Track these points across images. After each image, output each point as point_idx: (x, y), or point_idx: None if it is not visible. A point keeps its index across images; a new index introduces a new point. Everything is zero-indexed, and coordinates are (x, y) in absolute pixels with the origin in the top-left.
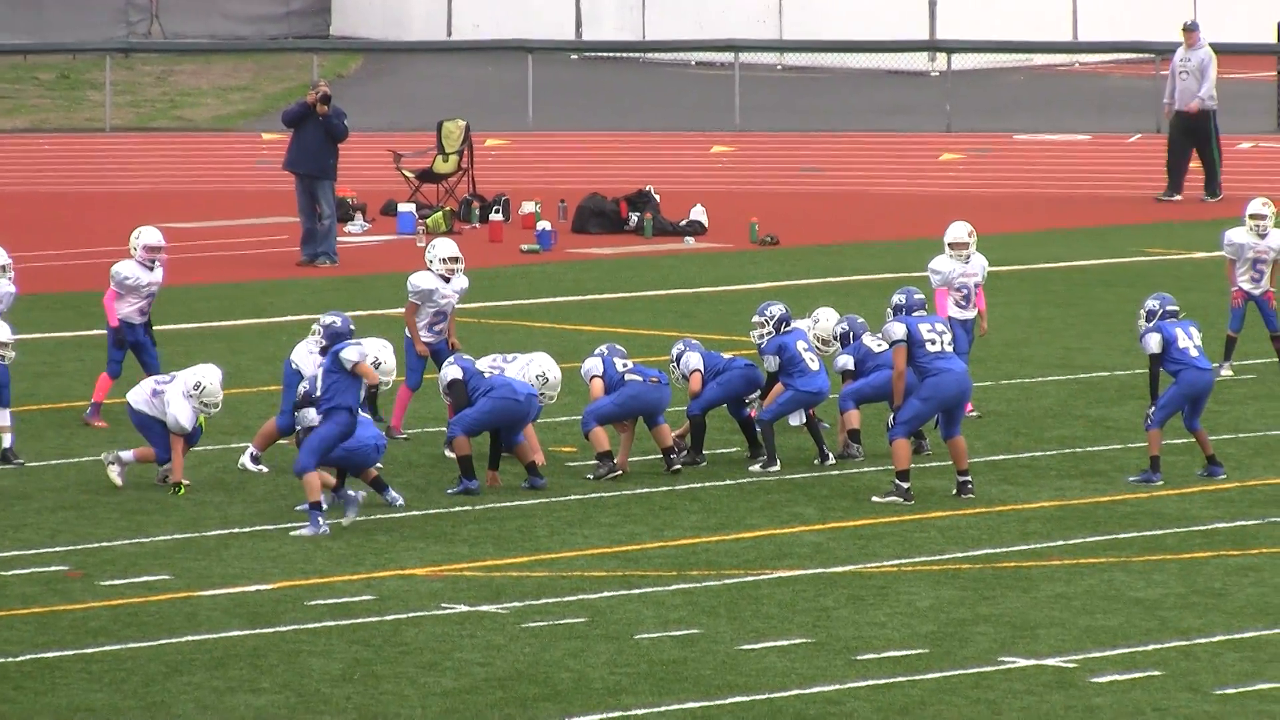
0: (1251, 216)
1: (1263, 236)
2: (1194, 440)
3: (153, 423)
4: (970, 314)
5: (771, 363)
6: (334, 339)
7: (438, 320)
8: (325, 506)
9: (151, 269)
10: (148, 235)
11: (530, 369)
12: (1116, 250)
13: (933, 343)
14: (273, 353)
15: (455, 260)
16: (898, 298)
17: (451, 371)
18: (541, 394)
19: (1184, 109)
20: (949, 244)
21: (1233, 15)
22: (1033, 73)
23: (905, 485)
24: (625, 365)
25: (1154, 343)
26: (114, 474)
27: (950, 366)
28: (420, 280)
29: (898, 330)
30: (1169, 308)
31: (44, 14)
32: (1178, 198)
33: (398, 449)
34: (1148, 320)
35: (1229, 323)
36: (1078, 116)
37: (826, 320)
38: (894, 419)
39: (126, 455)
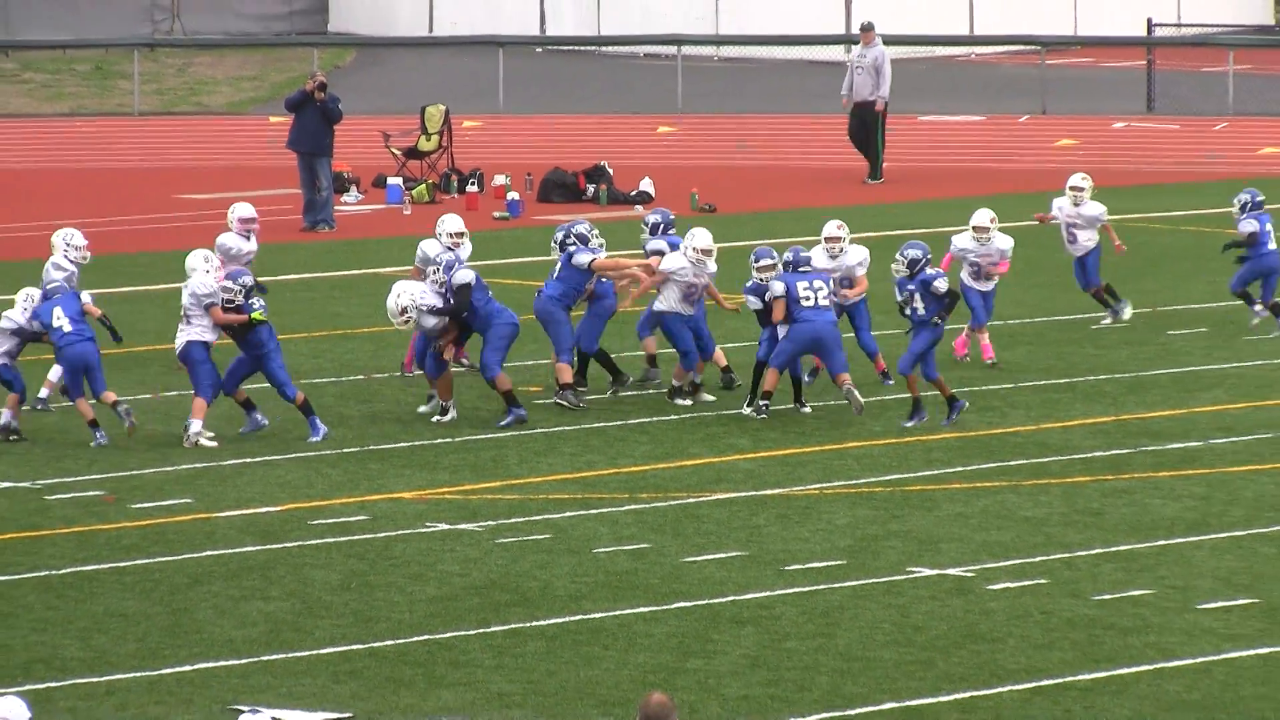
0: (1071, 188)
1: (1077, 205)
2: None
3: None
4: (987, 286)
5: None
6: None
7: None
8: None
9: (248, 239)
10: (242, 209)
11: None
12: (1005, 215)
13: (807, 299)
14: (280, 307)
15: (460, 235)
16: (787, 255)
17: (464, 275)
18: None
19: (860, 101)
20: (972, 226)
21: (1110, 11)
22: (935, 62)
23: (764, 404)
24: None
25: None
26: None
27: (813, 318)
28: (427, 248)
29: (777, 287)
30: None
31: (80, 13)
32: (880, 180)
33: (389, 388)
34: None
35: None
36: (974, 100)
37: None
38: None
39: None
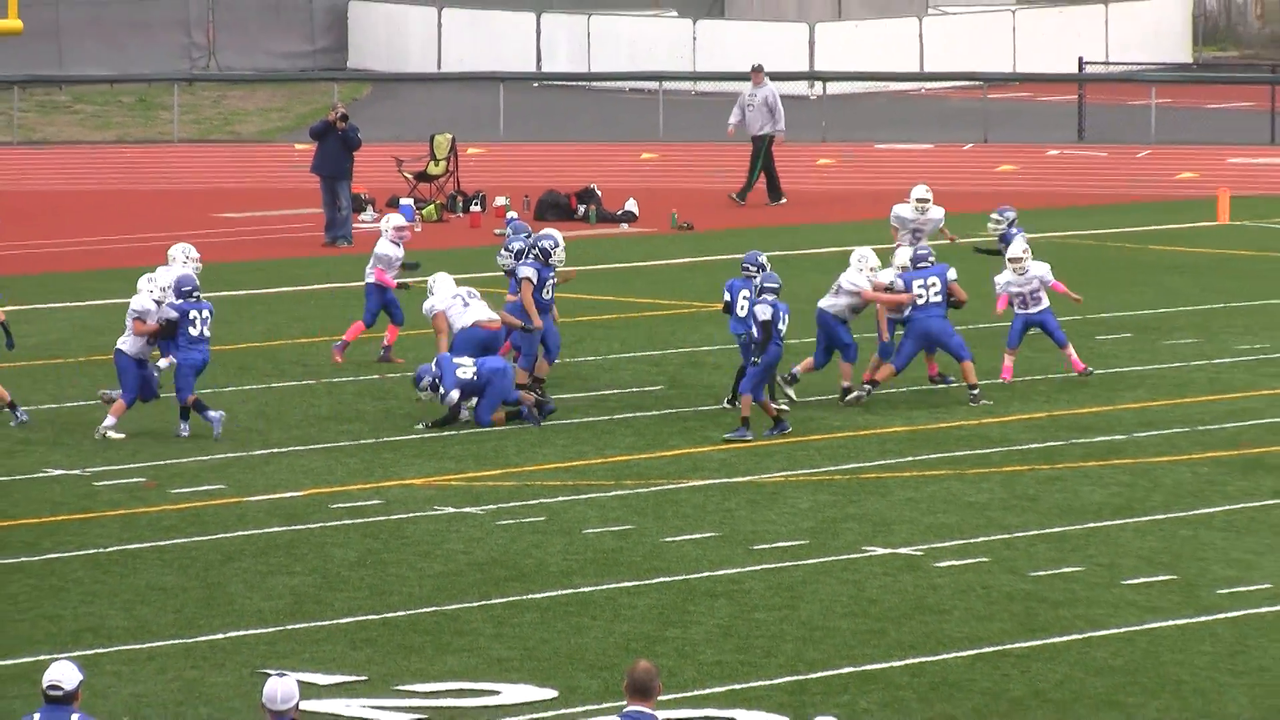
0: (918, 200)
1: (923, 214)
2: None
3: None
4: (1035, 309)
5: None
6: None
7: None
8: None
9: (398, 246)
10: (395, 219)
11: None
12: (957, 231)
13: (920, 297)
14: (303, 313)
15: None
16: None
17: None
18: None
19: (754, 134)
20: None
21: (1045, 50)
22: (888, 96)
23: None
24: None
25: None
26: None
27: (924, 315)
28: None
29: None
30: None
31: (126, 51)
32: (784, 200)
33: (402, 387)
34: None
35: None
36: (923, 130)
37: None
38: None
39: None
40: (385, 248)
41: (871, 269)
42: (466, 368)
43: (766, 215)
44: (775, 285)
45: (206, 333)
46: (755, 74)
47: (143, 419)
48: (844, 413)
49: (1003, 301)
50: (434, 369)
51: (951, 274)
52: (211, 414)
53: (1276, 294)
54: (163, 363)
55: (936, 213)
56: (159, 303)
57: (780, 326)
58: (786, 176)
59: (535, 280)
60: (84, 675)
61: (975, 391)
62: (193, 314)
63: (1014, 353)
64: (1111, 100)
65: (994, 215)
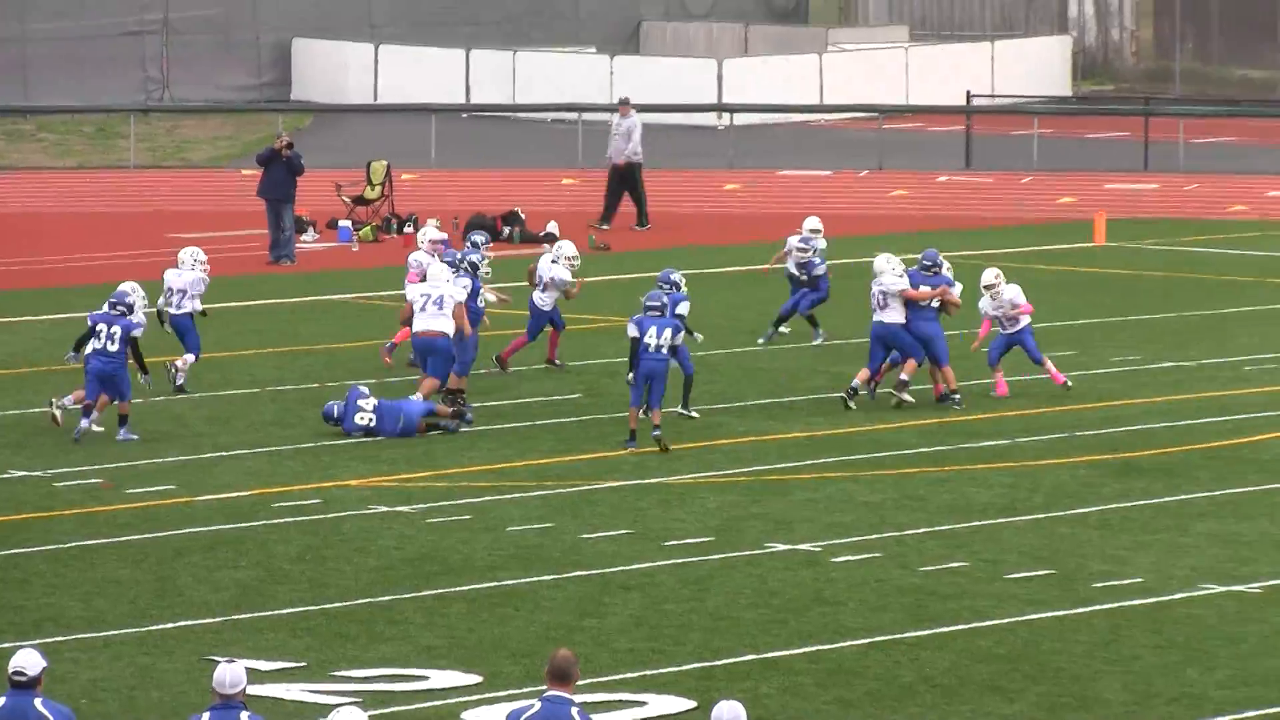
0: (810, 230)
1: (807, 243)
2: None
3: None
4: (1013, 328)
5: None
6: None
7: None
8: None
9: (434, 258)
10: (432, 232)
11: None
12: (848, 252)
13: (649, 343)
14: (252, 326)
15: (576, 258)
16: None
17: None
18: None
19: (616, 162)
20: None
21: (936, 83)
22: (791, 127)
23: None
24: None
25: None
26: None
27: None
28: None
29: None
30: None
31: (86, 83)
32: (606, 227)
33: (339, 395)
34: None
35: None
36: (823, 158)
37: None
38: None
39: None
40: (420, 256)
41: (898, 271)
42: (365, 412)
43: (675, 236)
44: (656, 304)
45: (110, 346)
46: (622, 106)
47: (102, 423)
48: (748, 418)
49: (985, 327)
50: (338, 407)
51: (957, 288)
52: (83, 423)
53: (1148, 310)
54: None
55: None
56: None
57: (648, 341)
58: (696, 201)
59: (468, 291)
60: (47, 663)
61: (904, 381)
62: (99, 326)
63: (998, 369)
64: (997, 130)
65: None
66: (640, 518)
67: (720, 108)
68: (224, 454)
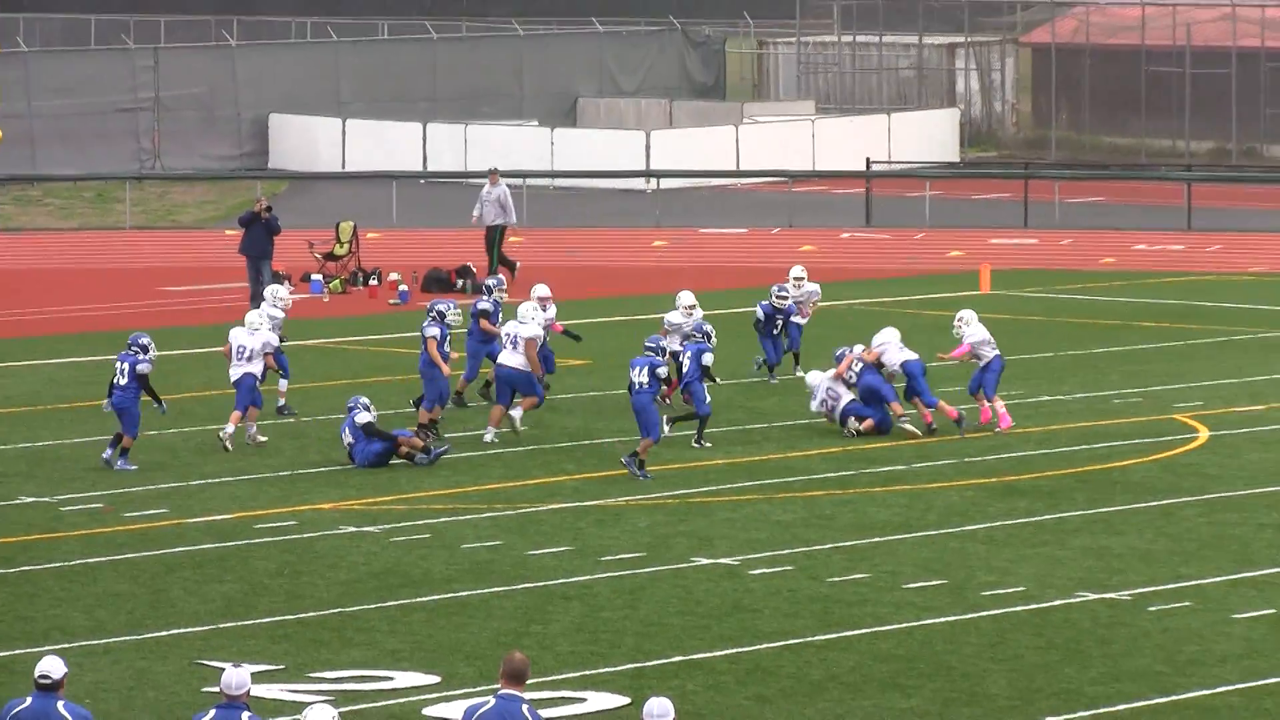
0: (794, 278)
1: (798, 287)
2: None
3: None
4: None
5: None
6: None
7: None
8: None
9: (545, 309)
10: (540, 289)
11: None
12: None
13: (632, 379)
14: None
15: (544, 299)
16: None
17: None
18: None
19: (489, 224)
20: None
21: (839, 151)
22: (710, 190)
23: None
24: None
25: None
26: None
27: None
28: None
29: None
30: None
31: (87, 154)
32: (505, 277)
33: (313, 428)
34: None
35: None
36: (739, 218)
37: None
38: None
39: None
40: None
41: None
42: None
43: (611, 288)
44: (651, 345)
45: (121, 380)
46: (491, 175)
47: (98, 454)
48: (674, 448)
49: (961, 350)
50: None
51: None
52: (106, 453)
53: (1029, 350)
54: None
55: (811, 287)
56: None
57: (632, 378)
58: (627, 256)
59: (439, 337)
60: (68, 668)
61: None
62: (117, 364)
63: (978, 397)
64: (893, 193)
65: (777, 291)
66: (579, 536)
67: (648, 174)
68: (211, 481)
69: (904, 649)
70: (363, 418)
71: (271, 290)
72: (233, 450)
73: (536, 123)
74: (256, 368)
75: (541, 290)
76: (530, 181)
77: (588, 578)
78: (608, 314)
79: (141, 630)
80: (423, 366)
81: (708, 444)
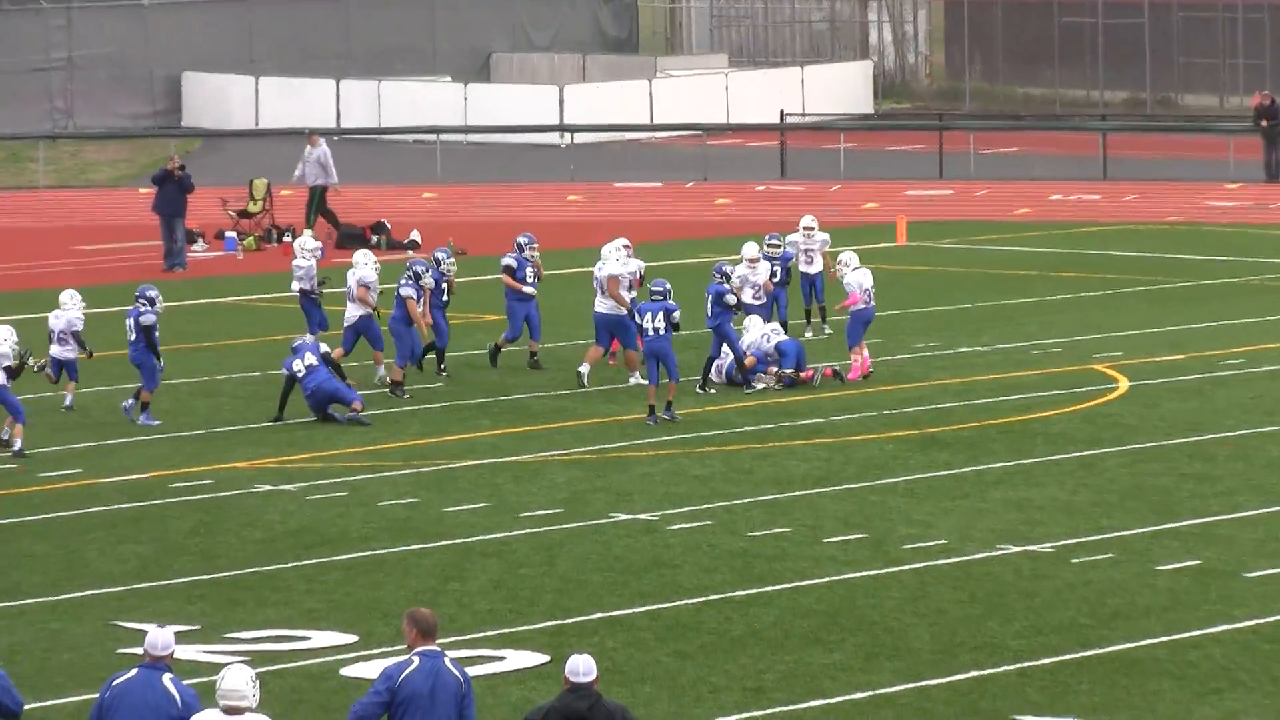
0: (805, 228)
1: (808, 236)
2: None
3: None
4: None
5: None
6: None
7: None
8: None
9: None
10: (620, 242)
11: None
12: (678, 254)
13: (645, 326)
14: None
15: (629, 246)
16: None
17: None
18: None
19: (311, 185)
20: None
21: (753, 104)
22: (625, 144)
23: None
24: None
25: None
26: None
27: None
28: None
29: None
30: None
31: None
32: (310, 231)
33: (228, 385)
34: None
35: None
36: (654, 172)
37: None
38: None
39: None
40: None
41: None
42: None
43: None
44: (659, 290)
45: (130, 336)
46: (310, 137)
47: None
48: (591, 403)
49: (854, 298)
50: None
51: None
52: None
53: (944, 301)
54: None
55: (822, 236)
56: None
57: (644, 324)
58: (542, 211)
59: (415, 298)
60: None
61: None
62: (128, 321)
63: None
64: (808, 145)
65: (769, 240)
66: (497, 492)
67: (562, 128)
68: (126, 440)
69: (825, 604)
70: (323, 348)
71: (300, 243)
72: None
73: (450, 78)
74: (71, 352)
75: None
76: (444, 137)
77: (506, 535)
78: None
79: (56, 592)
80: (393, 324)
81: (759, 385)
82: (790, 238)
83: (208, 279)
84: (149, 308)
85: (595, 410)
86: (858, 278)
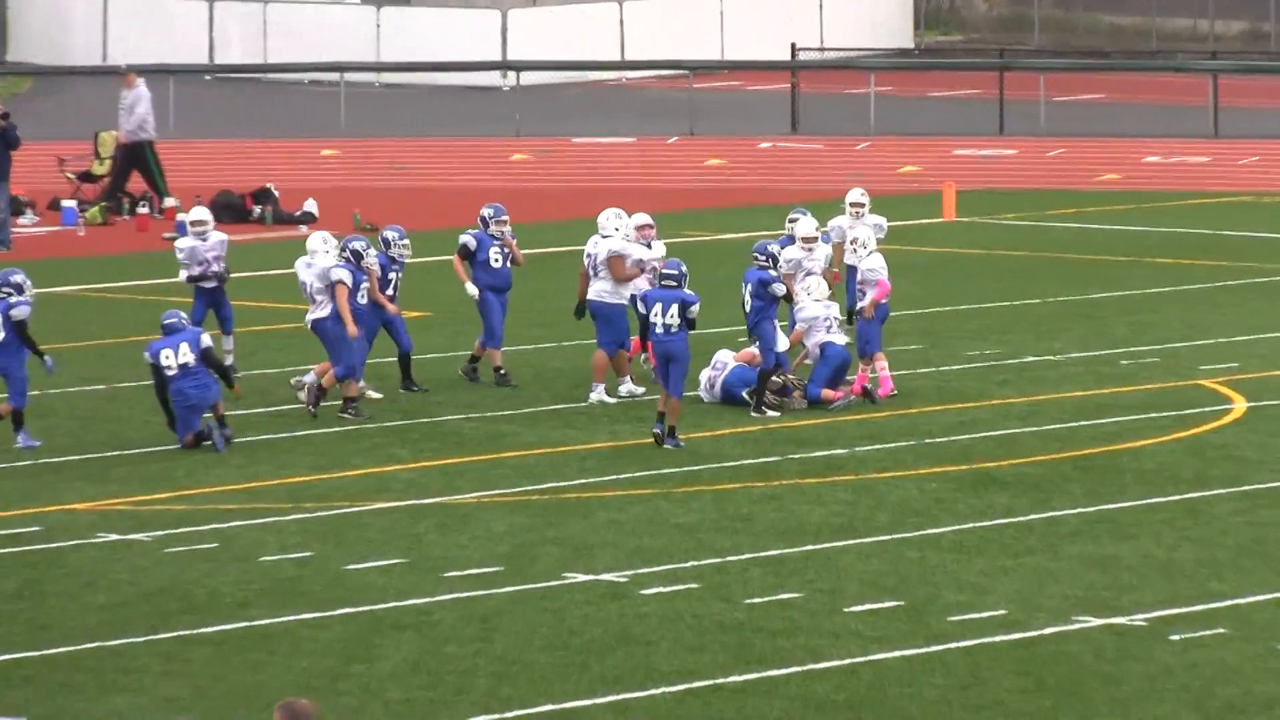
0: (852, 204)
1: (857, 215)
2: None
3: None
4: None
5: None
6: None
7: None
8: None
9: (649, 246)
10: (640, 218)
11: None
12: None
13: (655, 321)
14: None
15: (651, 227)
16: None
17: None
18: None
19: (130, 139)
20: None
21: (756, 36)
22: (586, 87)
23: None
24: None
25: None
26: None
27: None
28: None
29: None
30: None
31: None
32: (108, 204)
33: (61, 401)
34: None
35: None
36: (625, 123)
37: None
38: None
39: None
40: (625, 246)
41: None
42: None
43: (448, 215)
44: (673, 273)
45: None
46: (127, 76)
47: None
48: (541, 426)
49: (882, 289)
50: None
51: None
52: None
53: (1007, 295)
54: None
55: (876, 220)
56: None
57: (654, 320)
58: (477, 174)
59: (350, 285)
60: None
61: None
62: None
63: (874, 358)
64: (828, 89)
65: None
66: (416, 544)
67: (505, 65)
68: None
69: (847, 693)
70: (205, 341)
71: (191, 215)
72: None
73: (359, 1)
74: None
75: (641, 219)
76: (350, 77)
77: (427, 600)
78: (445, 253)
79: None
80: (322, 323)
81: (772, 412)
82: (833, 222)
83: (39, 261)
84: (18, 296)
85: (546, 437)
86: (879, 261)
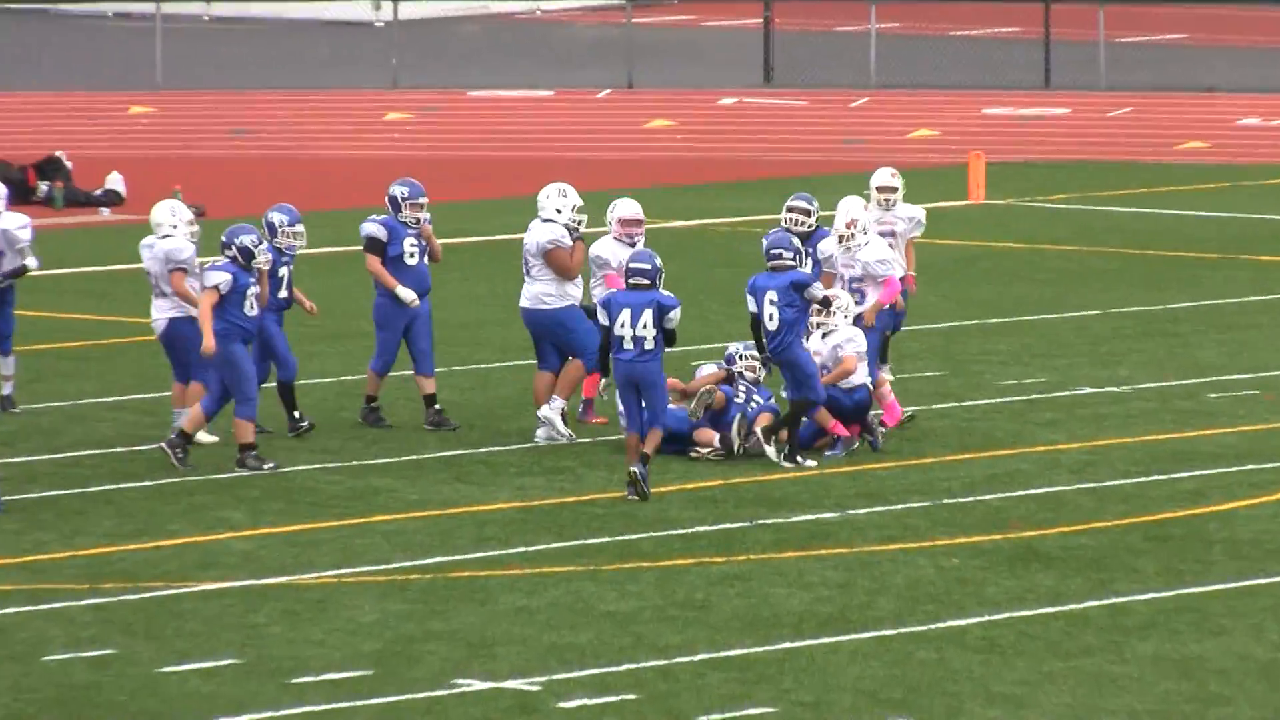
0: (879, 190)
1: (886, 204)
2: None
3: None
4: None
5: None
6: None
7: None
8: None
9: (625, 243)
10: (625, 207)
11: None
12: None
13: (620, 334)
14: None
15: (639, 222)
16: None
17: None
18: None
19: None
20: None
21: None
22: (490, 21)
23: None
24: None
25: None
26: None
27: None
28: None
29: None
30: None
31: None
32: None
33: None
34: None
35: None
36: (541, 70)
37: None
38: None
39: None
40: (608, 248)
41: None
42: None
43: (297, 196)
44: (645, 266)
45: None
46: None
47: None
48: (424, 480)
49: (892, 290)
50: None
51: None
52: None
53: (1053, 305)
54: None
55: (912, 211)
56: None
57: (619, 332)
58: (342, 139)
59: (225, 289)
60: None
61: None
62: None
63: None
64: (813, 25)
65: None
66: (254, 639)
67: None
68: None
69: None
70: None
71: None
72: None
73: None
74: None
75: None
76: (168, 9)
77: (269, 714)
78: (321, 245)
79: None
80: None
81: (810, 462)
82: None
83: None
84: None
85: (431, 494)
86: (886, 251)
